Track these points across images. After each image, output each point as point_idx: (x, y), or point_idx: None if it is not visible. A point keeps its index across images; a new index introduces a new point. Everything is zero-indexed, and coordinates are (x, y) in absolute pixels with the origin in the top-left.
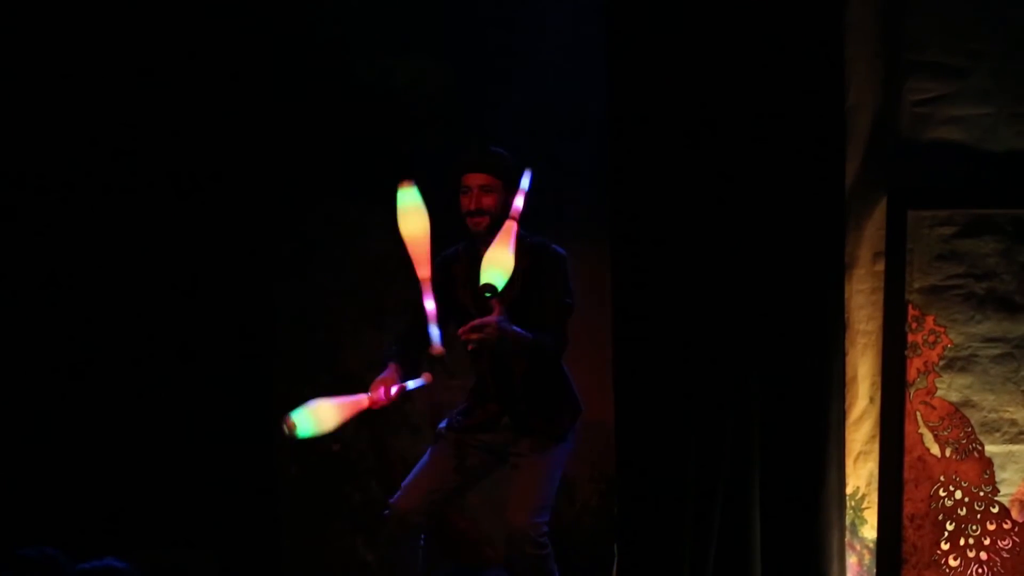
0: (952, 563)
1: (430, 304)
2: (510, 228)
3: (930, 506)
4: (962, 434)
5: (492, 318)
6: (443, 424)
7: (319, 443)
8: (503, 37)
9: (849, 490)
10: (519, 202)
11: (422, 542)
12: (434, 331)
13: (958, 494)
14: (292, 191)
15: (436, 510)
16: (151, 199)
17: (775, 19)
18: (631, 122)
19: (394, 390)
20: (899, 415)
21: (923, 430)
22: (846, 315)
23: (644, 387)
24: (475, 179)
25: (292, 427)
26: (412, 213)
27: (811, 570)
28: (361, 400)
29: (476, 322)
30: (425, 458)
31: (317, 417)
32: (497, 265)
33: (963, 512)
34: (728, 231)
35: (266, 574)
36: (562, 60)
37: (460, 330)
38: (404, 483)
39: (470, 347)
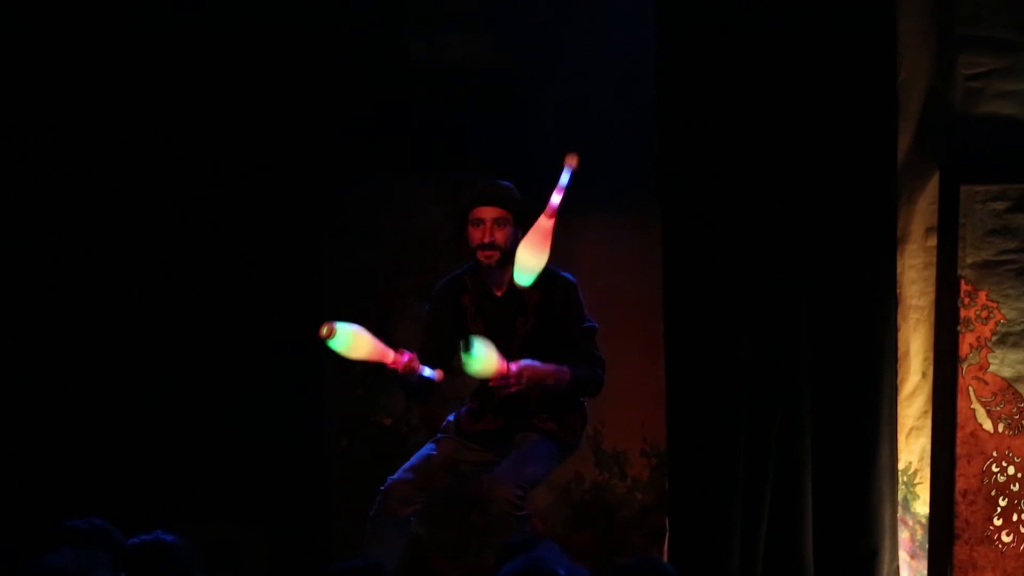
0: (1005, 538)
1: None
2: (548, 227)
3: (982, 481)
4: (1015, 409)
5: (514, 367)
6: (452, 417)
7: (370, 417)
8: (554, 5)
9: (901, 465)
10: (556, 199)
11: (412, 520)
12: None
13: (1011, 470)
14: (341, 166)
15: (427, 501)
16: (202, 176)
17: None
18: (681, 96)
19: (415, 363)
20: (951, 390)
21: (975, 405)
22: (898, 290)
23: (695, 361)
24: (488, 212)
25: (331, 332)
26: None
27: (863, 545)
28: (387, 352)
29: (499, 378)
30: (425, 451)
31: (354, 339)
32: (527, 267)
33: (1016, 488)
34: (780, 206)
35: (316, 548)
36: (612, 39)
37: (492, 383)
38: (403, 467)
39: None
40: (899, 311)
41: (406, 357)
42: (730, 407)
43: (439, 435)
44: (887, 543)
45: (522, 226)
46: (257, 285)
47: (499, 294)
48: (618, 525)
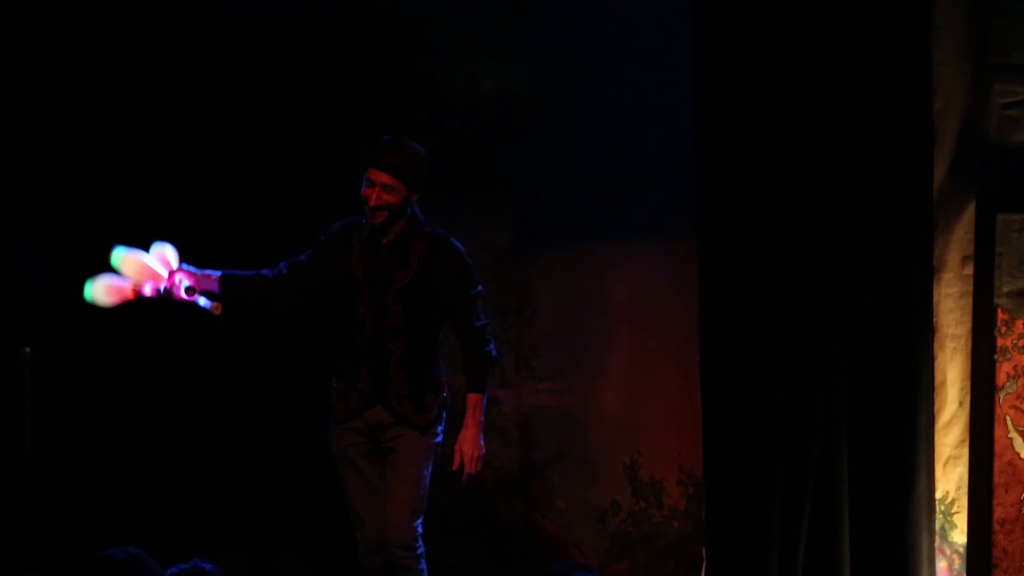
0: None
1: None
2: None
3: (1020, 511)
4: None
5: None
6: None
7: None
8: (589, 34)
9: (939, 495)
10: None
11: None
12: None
13: None
14: None
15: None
16: (227, 205)
17: (863, 22)
18: (718, 125)
19: (183, 292)
20: (989, 419)
21: (1013, 434)
22: (935, 319)
23: (731, 390)
24: (380, 176)
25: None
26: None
27: (901, 575)
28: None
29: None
30: (349, 499)
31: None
32: None
33: None
34: (816, 234)
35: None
36: (647, 64)
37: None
38: (356, 529)
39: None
40: (935, 340)
41: (186, 281)
42: (766, 436)
43: (339, 470)
44: (925, 573)
45: (417, 190)
46: (293, 319)
47: (385, 242)
48: (655, 555)
